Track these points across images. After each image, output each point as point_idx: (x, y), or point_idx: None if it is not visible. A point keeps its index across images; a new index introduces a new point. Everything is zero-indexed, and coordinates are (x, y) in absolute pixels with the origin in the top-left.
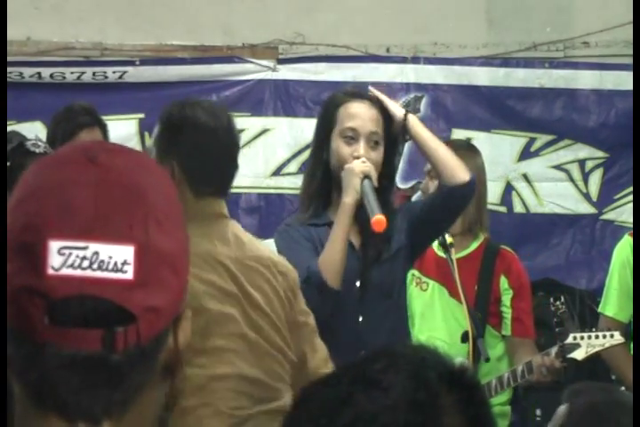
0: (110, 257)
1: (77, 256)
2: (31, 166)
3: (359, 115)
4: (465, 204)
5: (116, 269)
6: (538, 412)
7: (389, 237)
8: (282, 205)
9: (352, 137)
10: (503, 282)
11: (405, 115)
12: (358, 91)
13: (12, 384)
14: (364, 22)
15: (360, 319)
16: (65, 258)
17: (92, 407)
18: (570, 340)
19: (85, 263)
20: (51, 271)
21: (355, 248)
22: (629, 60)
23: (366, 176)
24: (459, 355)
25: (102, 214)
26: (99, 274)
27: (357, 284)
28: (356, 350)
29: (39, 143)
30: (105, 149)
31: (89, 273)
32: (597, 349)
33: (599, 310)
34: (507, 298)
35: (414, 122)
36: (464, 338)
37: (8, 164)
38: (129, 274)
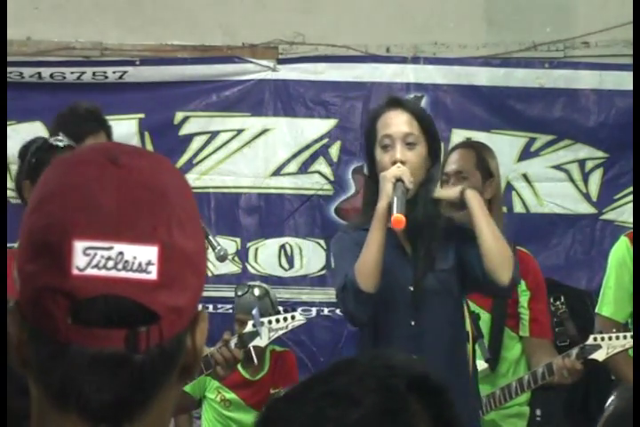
0: (135, 257)
1: (102, 256)
2: (50, 167)
3: (392, 121)
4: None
5: (140, 270)
6: (538, 412)
7: (441, 245)
8: (282, 205)
9: (388, 144)
10: (521, 283)
11: (462, 192)
12: (391, 98)
13: (29, 386)
14: (364, 22)
15: (412, 324)
16: (90, 258)
17: (115, 408)
18: (590, 341)
19: (110, 264)
20: (76, 271)
21: (407, 254)
22: (629, 60)
23: (398, 180)
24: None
25: (126, 215)
26: (123, 274)
27: (411, 288)
28: (408, 353)
29: (60, 138)
30: (124, 150)
31: (113, 273)
32: (618, 349)
33: (596, 310)
34: (524, 299)
35: (471, 196)
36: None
37: (33, 160)
38: (153, 274)
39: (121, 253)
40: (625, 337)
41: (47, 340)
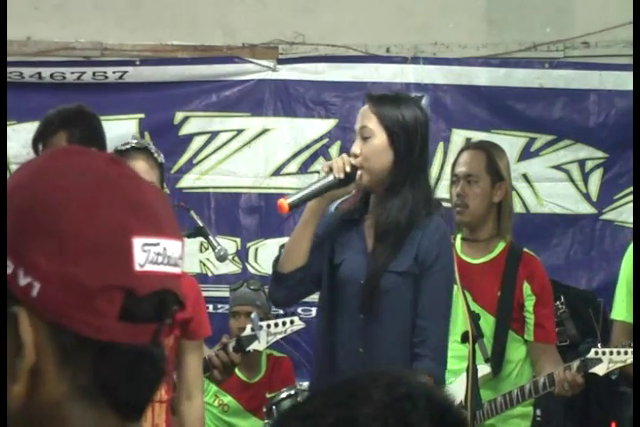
0: (173, 252)
1: (154, 253)
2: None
3: (358, 117)
4: None
5: (175, 264)
6: (538, 412)
7: (396, 242)
8: None
9: (354, 139)
10: (526, 288)
11: None
12: (366, 95)
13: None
14: (364, 22)
15: (361, 317)
16: (147, 255)
17: (143, 403)
18: (592, 355)
19: (160, 259)
20: (138, 268)
21: (367, 249)
22: (629, 60)
23: (330, 169)
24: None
25: (164, 211)
26: (169, 269)
27: (362, 282)
28: (355, 347)
29: (136, 140)
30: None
31: (163, 268)
32: (619, 365)
33: (611, 316)
34: (529, 304)
35: None
36: (464, 338)
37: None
38: (179, 268)
39: (165, 249)
40: (626, 353)
41: (85, 339)
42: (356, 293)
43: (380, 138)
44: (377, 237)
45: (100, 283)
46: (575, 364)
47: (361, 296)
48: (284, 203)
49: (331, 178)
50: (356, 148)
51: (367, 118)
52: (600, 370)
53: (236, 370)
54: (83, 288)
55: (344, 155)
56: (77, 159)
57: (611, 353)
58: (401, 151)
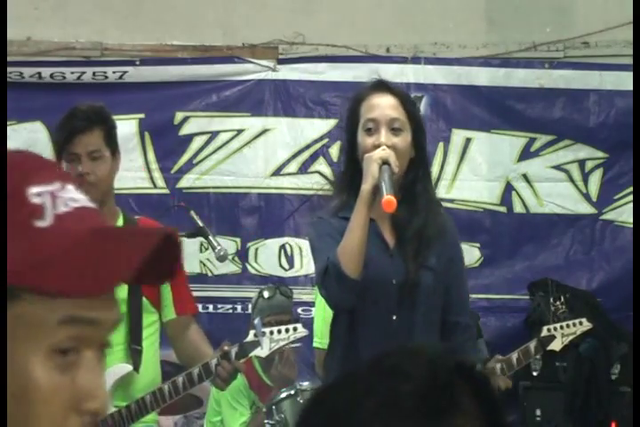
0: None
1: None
2: None
3: (378, 105)
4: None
5: None
6: (538, 412)
7: (426, 240)
8: (282, 205)
9: (373, 128)
10: None
11: None
12: (377, 82)
13: None
14: (364, 22)
15: (394, 318)
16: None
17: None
18: (545, 333)
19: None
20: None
21: (388, 247)
22: (629, 60)
23: (385, 162)
24: None
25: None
26: None
27: (394, 282)
28: (386, 348)
29: None
30: None
31: None
32: (571, 337)
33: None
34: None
35: None
36: None
37: None
38: None
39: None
40: (575, 324)
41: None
42: (386, 293)
43: (408, 133)
44: (404, 235)
45: None
46: (532, 344)
47: (394, 296)
48: (393, 199)
49: (389, 171)
50: (388, 139)
51: (396, 110)
52: (556, 346)
53: (261, 372)
54: None
55: (385, 148)
56: None
57: (562, 328)
58: (419, 150)
